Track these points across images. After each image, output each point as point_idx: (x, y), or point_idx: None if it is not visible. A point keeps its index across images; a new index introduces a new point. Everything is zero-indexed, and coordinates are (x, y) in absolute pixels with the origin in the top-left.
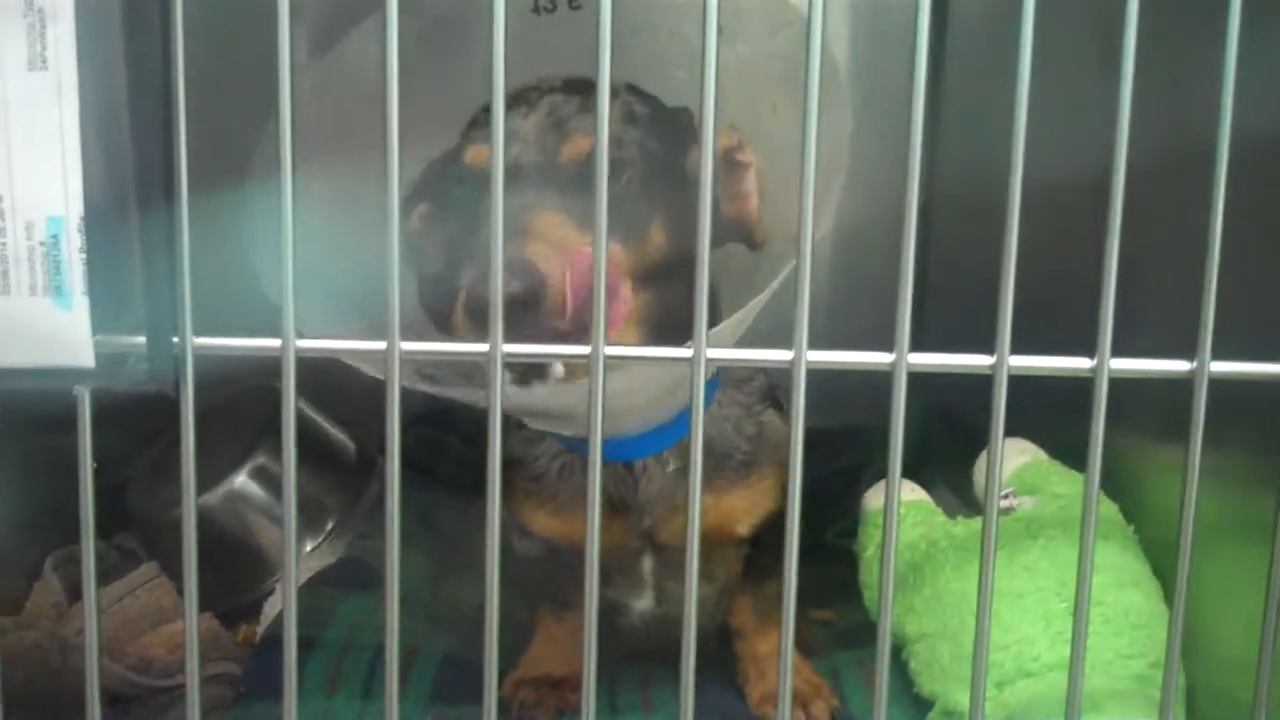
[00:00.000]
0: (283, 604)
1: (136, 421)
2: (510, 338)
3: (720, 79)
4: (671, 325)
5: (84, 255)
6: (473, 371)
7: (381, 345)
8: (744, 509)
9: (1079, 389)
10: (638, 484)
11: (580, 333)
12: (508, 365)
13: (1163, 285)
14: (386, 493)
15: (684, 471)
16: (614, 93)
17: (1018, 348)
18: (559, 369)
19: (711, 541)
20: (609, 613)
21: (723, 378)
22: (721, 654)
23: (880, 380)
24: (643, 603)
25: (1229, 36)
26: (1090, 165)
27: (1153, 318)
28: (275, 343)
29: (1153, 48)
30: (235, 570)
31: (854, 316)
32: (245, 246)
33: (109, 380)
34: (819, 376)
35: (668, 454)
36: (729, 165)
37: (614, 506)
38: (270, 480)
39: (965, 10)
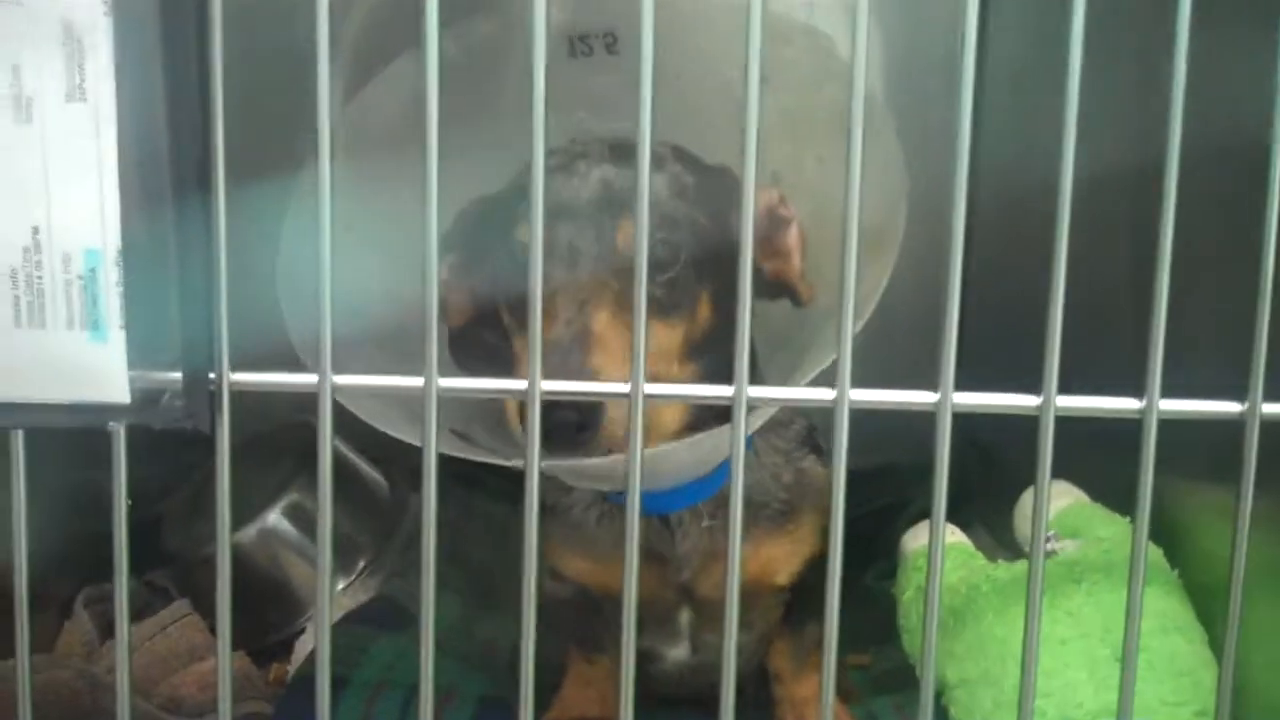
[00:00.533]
0: (315, 642)
1: (171, 456)
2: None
3: (763, 129)
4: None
5: (121, 289)
6: (507, 435)
7: (419, 382)
8: (782, 558)
9: (1120, 429)
10: (674, 537)
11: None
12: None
13: (1210, 322)
14: (423, 530)
15: (721, 524)
16: (659, 162)
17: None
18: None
19: (750, 591)
20: (643, 659)
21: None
22: (759, 697)
23: (917, 418)
24: (677, 651)
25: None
26: (1127, 196)
27: (1199, 356)
28: (312, 379)
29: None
30: (267, 608)
31: (887, 349)
32: (277, 287)
33: (144, 417)
34: (856, 415)
35: (703, 506)
36: (772, 221)
37: (650, 558)
38: (303, 518)
39: (1001, 42)
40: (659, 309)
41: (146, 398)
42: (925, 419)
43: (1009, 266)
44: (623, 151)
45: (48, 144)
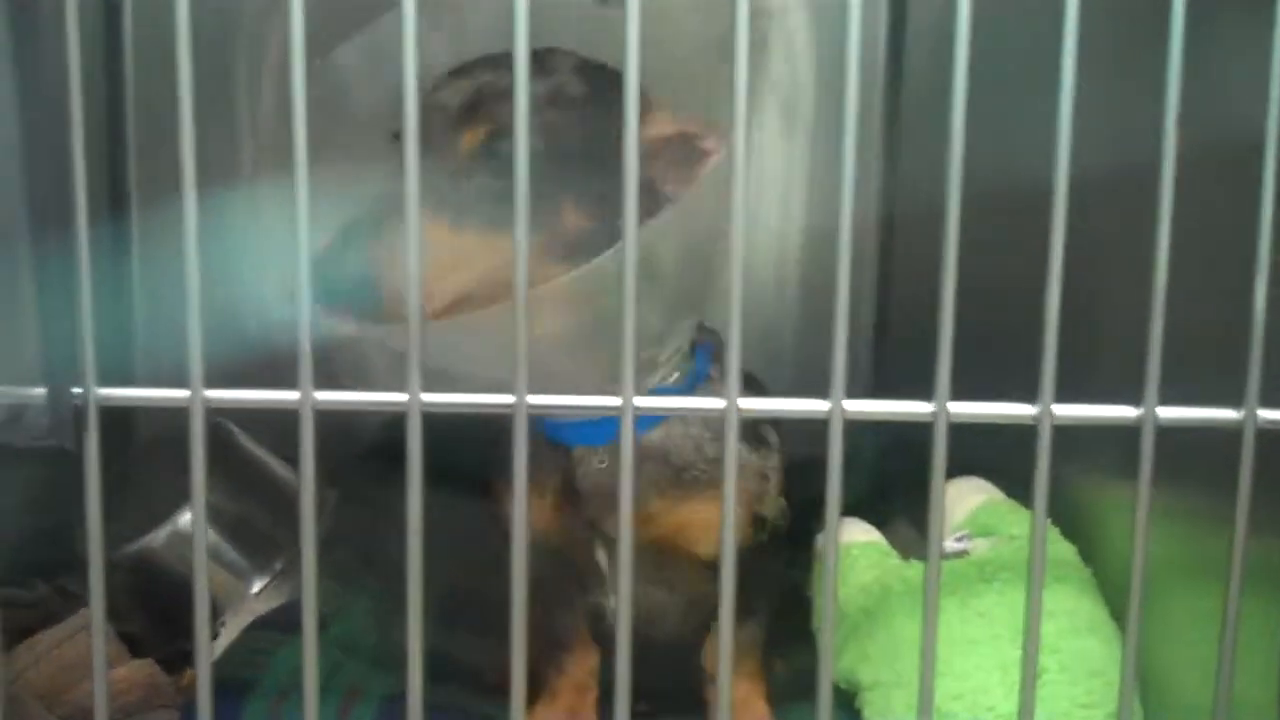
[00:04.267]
0: (195, 654)
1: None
2: None
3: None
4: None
5: None
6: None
7: (294, 395)
8: (698, 525)
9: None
10: (575, 472)
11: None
12: None
13: (1203, 327)
14: (302, 541)
15: (614, 469)
16: (548, 70)
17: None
18: None
19: (667, 551)
20: (594, 620)
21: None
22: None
23: None
24: (612, 603)
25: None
26: (1119, 200)
27: (1193, 362)
28: (184, 394)
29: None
30: (179, 613)
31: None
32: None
33: (6, 435)
34: None
35: (603, 449)
36: (686, 150)
37: (557, 492)
38: (216, 520)
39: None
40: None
41: (8, 414)
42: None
43: (997, 272)
44: (541, 64)
45: None
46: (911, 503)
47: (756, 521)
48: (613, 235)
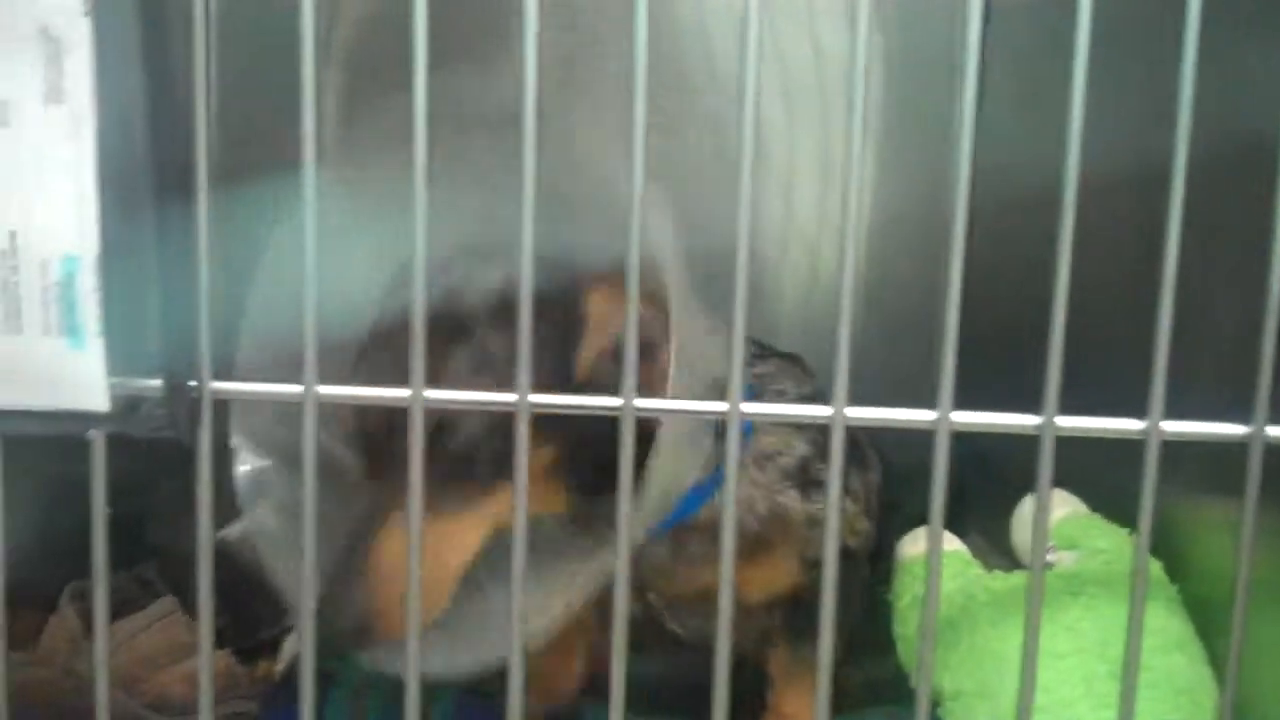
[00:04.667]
0: (299, 640)
1: (159, 449)
2: None
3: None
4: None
5: (99, 295)
6: None
7: (405, 393)
8: (746, 583)
9: (1121, 442)
10: (638, 561)
11: None
12: None
13: (1214, 339)
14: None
15: (678, 551)
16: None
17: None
18: None
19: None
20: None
21: (748, 454)
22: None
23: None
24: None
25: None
26: (1129, 207)
27: (1203, 374)
28: (297, 389)
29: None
30: (254, 606)
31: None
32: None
33: (123, 425)
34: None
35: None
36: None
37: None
38: (290, 514)
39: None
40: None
41: (126, 405)
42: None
43: (1008, 278)
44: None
45: (25, 147)
46: (983, 515)
47: (806, 564)
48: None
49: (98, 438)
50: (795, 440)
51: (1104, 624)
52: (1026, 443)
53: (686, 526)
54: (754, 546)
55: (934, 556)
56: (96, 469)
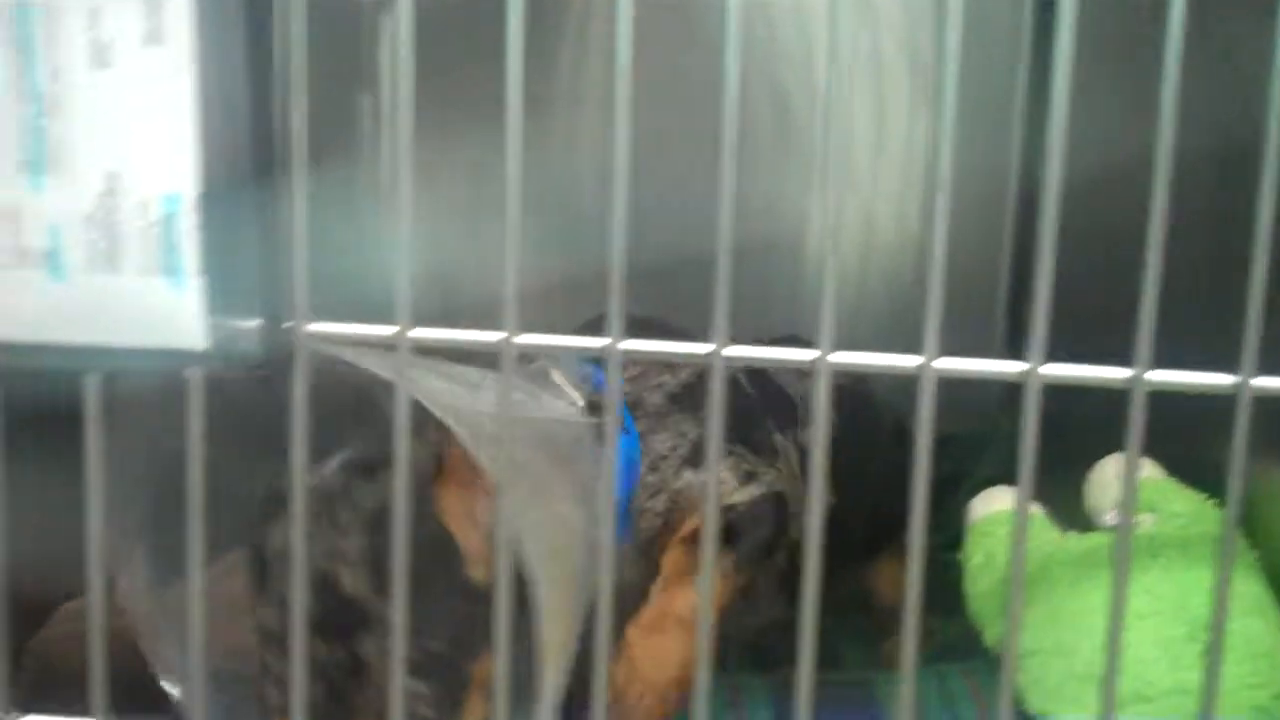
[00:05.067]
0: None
1: (233, 397)
2: None
3: None
4: None
5: (199, 235)
6: None
7: (496, 336)
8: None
9: (1197, 403)
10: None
11: None
12: None
13: None
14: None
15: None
16: None
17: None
18: None
19: None
20: None
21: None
22: None
23: (974, 388)
24: None
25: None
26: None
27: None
28: (390, 330)
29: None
30: None
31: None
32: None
33: (221, 364)
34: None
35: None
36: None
37: None
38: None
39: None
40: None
41: (223, 345)
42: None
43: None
44: None
45: (126, 88)
46: (1045, 481)
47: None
48: None
49: (195, 376)
50: (685, 427)
51: (1182, 587)
52: (1092, 410)
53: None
54: (666, 536)
55: (1020, 515)
56: (194, 406)
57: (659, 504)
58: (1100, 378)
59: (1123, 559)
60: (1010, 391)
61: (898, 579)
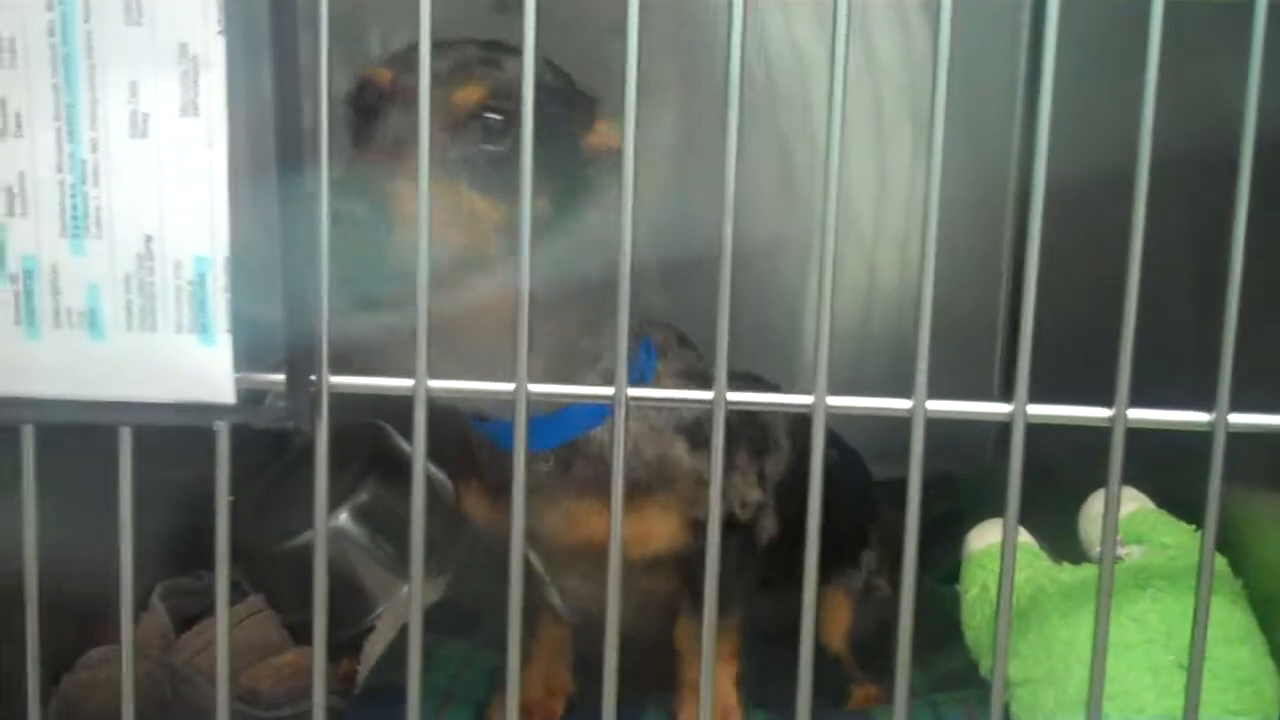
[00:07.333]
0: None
1: (242, 454)
2: None
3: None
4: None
5: (228, 295)
6: None
7: (510, 386)
8: (632, 535)
9: (1185, 438)
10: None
11: None
12: None
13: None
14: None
15: (559, 473)
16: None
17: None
18: None
19: (599, 553)
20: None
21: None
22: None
23: (971, 430)
24: (557, 600)
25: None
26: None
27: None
28: (408, 383)
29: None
30: (337, 606)
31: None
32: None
33: (248, 416)
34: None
35: (548, 453)
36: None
37: (499, 492)
38: (371, 518)
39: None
40: (480, 181)
41: (250, 398)
42: (981, 430)
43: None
44: (494, 44)
45: (162, 157)
46: (1035, 517)
47: (693, 525)
48: (566, 219)
49: (223, 429)
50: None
51: (1170, 616)
52: (1082, 448)
53: (574, 449)
54: (640, 494)
55: (1008, 549)
56: (220, 457)
57: (649, 451)
58: (1082, 416)
59: (1106, 589)
60: (1001, 431)
61: (836, 623)
